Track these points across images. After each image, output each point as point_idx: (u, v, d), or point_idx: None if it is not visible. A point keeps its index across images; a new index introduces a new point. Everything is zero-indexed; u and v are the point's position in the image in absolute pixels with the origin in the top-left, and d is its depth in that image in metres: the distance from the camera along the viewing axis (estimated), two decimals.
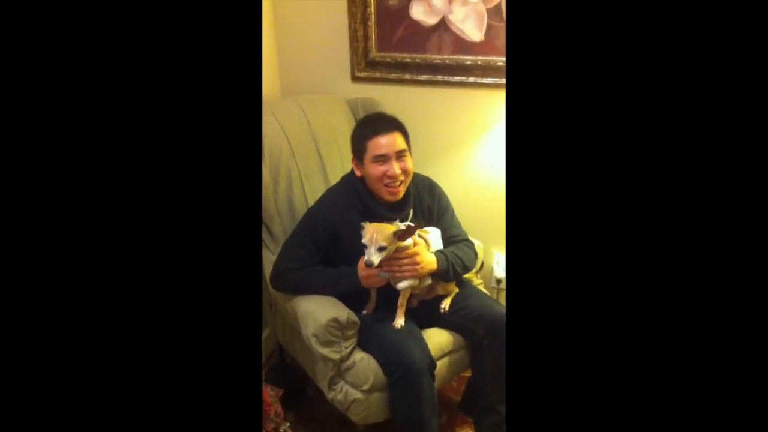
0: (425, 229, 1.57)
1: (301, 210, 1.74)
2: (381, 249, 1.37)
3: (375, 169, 1.47)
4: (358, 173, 1.54)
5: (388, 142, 1.46)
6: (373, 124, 1.52)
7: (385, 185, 1.48)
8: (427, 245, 1.53)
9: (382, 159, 1.46)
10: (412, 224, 1.46)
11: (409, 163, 1.50)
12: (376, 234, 1.37)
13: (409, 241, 1.44)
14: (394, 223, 1.48)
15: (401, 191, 1.51)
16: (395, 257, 1.43)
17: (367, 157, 1.48)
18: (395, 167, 1.46)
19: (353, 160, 1.55)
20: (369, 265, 1.38)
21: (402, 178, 1.48)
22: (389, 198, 1.50)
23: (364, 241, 1.38)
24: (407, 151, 1.50)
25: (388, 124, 1.50)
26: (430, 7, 1.81)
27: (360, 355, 1.48)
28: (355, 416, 1.50)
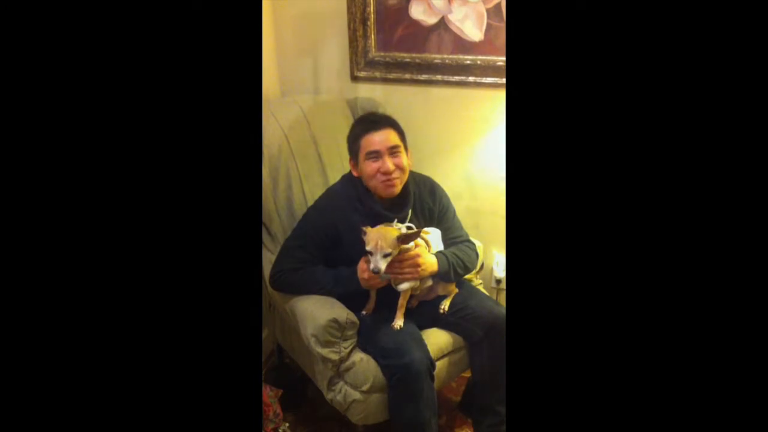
0: (425, 229, 1.57)
1: (300, 210, 1.73)
2: (386, 255, 1.37)
3: (368, 166, 1.48)
4: (354, 173, 1.54)
5: (380, 138, 1.47)
6: (365, 122, 1.53)
7: (381, 181, 1.48)
8: (428, 246, 1.53)
9: (375, 155, 1.47)
10: (413, 227, 1.46)
11: (404, 159, 1.50)
12: (380, 240, 1.36)
13: (410, 243, 1.44)
14: (394, 223, 1.48)
15: (398, 185, 1.50)
16: (397, 259, 1.43)
17: (361, 155, 1.48)
18: (388, 163, 1.46)
19: (350, 161, 1.55)
20: (376, 272, 1.37)
21: (397, 174, 1.48)
22: (387, 193, 1.50)
23: (368, 248, 1.38)
24: (401, 147, 1.50)
25: (380, 121, 1.51)
26: (430, 7, 1.81)
27: (359, 356, 1.48)
28: (355, 417, 1.50)
